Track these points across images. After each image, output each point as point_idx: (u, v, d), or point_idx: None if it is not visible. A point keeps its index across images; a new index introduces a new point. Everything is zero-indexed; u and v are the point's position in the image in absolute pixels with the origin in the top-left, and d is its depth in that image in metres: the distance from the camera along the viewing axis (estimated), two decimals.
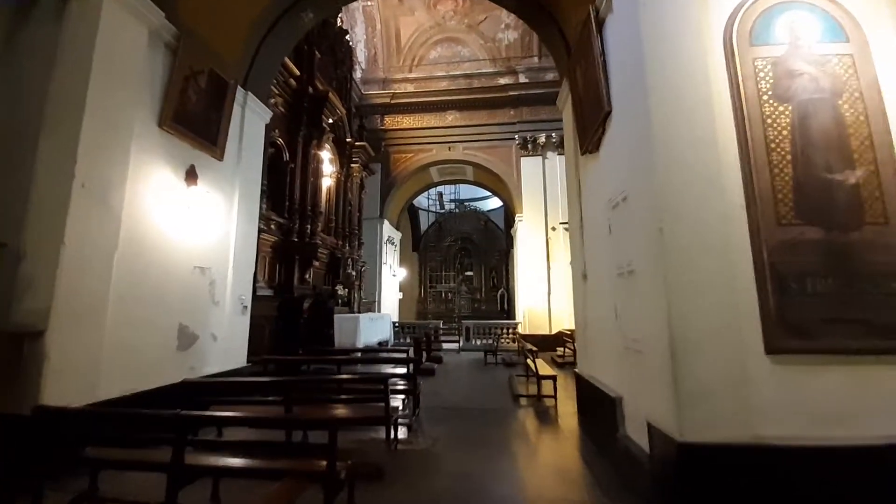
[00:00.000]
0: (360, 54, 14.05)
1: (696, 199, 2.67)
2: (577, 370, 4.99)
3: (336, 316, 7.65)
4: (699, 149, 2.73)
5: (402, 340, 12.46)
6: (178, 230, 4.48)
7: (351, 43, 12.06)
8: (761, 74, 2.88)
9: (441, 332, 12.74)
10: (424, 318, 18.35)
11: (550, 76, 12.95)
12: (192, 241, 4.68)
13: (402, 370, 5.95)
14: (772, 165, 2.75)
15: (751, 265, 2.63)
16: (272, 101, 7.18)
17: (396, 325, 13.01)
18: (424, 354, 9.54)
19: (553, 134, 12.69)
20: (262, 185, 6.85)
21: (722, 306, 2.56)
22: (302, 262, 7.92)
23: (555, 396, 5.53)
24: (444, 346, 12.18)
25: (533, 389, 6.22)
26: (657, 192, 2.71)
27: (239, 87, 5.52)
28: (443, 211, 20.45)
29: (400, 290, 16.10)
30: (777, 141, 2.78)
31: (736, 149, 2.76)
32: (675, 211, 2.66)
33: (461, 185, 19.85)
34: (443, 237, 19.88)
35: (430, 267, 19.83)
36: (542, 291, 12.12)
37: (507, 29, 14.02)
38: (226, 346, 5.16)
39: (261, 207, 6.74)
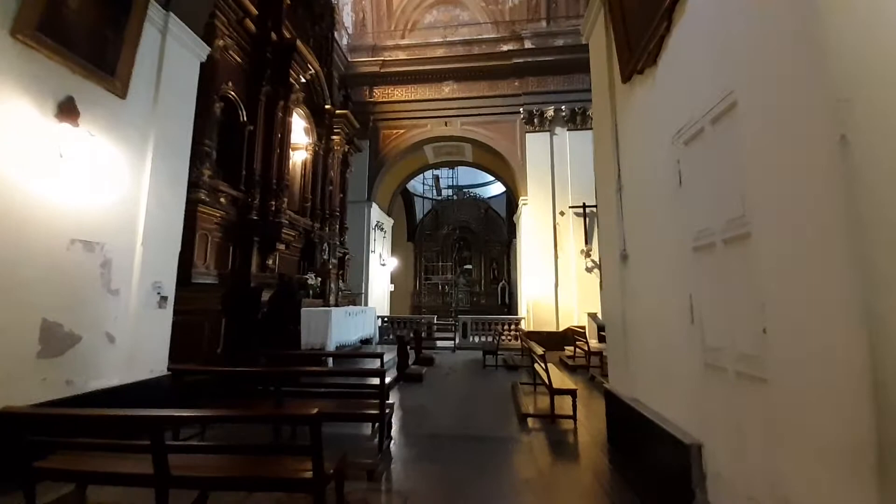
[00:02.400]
0: (347, 19, 12.57)
1: None
2: (608, 386, 3.63)
3: (303, 310, 6.31)
4: None
5: (390, 336, 11.13)
6: (43, 187, 3.11)
7: (334, 1, 10.56)
8: None
9: (435, 327, 11.42)
10: (419, 312, 17.02)
11: (560, 41, 11.53)
12: (68, 204, 3.30)
13: (375, 380, 4.60)
14: None
15: None
16: (220, 43, 5.76)
17: (386, 319, 11.68)
18: (413, 355, 8.22)
19: (563, 107, 11.27)
20: (205, 145, 5.47)
21: None
22: (263, 245, 6.55)
23: (574, 417, 4.19)
24: (439, 343, 10.88)
25: (543, 404, 4.89)
26: (834, 67, 1.33)
27: (155, 3, 4.11)
28: (440, 198, 19.03)
29: (392, 282, 14.76)
30: None
31: None
32: (877, 101, 1.27)
33: (460, 170, 18.45)
34: (440, 226, 18.49)
35: (425, 257, 18.46)
36: (549, 283, 10.76)
37: None
38: (131, 349, 3.81)
39: (201, 173, 5.36)
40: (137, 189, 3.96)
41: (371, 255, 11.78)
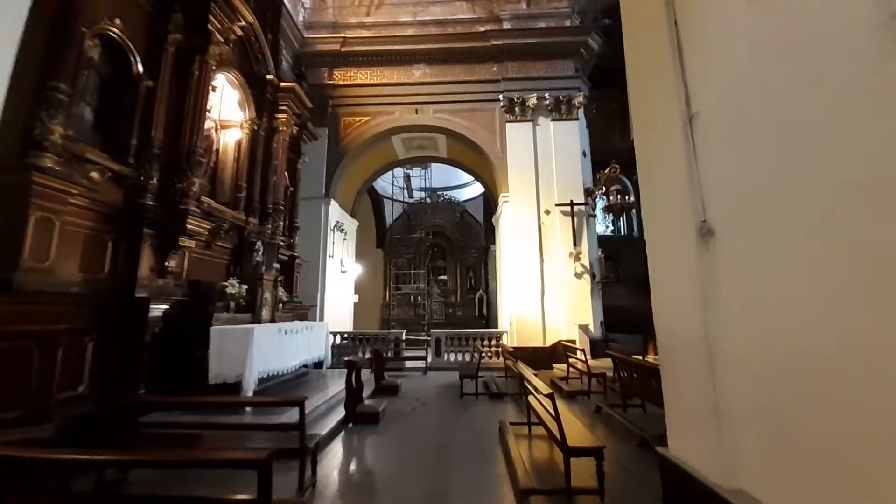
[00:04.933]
0: None
1: None
2: (672, 457, 2.18)
3: (213, 329, 4.61)
4: None
5: (350, 357, 9.40)
6: None
7: None
8: None
9: (403, 344, 9.78)
10: (388, 326, 15.32)
11: (542, 24, 10.45)
12: None
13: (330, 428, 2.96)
14: None
15: None
16: None
17: (346, 336, 9.96)
18: (373, 381, 6.59)
19: (546, 94, 10.12)
20: (58, 90, 3.77)
21: None
22: (161, 241, 4.82)
23: (600, 493, 2.72)
24: (409, 364, 9.24)
25: (543, 456, 3.47)
26: None
27: None
28: (411, 200, 17.55)
29: (357, 293, 13.03)
30: None
31: None
32: None
33: (433, 171, 17.11)
34: (412, 230, 16.96)
35: (395, 265, 16.82)
36: (535, 291, 9.41)
37: None
38: None
39: (48, 130, 3.65)
40: None
41: (329, 260, 10.08)
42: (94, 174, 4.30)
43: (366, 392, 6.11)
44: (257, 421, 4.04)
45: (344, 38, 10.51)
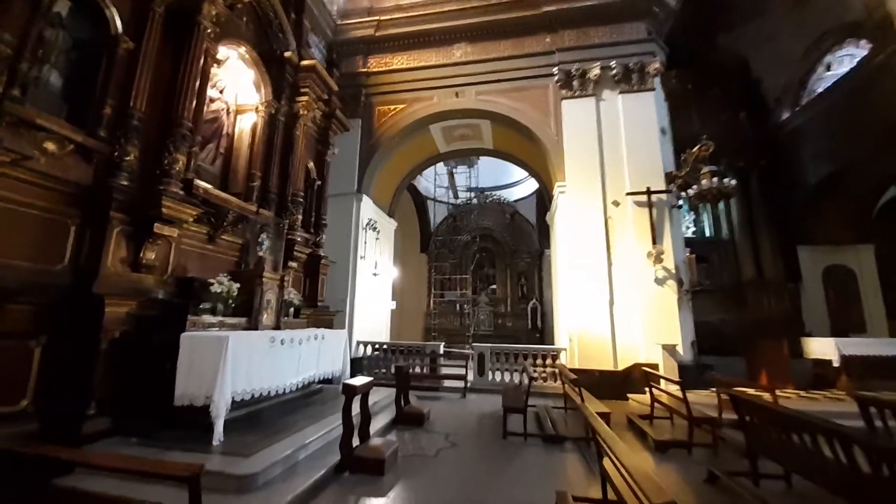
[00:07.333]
0: None
1: None
2: None
3: (184, 336, 3.66)
4: None
5: (381, 370, 8.28)
6: None
7: None
8: None
9: (441, 359, 8.45)
10: (431, 336, 14.11)
11: None
12: None
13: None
14: None
15: None
16: None
17: (378, 347, 8.87)
18: (394, 407, 5.33)
19: (612, 62, 8.39)
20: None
21: None
22: (137, 229, 4.01)
23: None
24: (447, 383, 7.90)
25: None
26: None
27: None
28: (457, 201, 16.34)
29: (396, 299, 12.00)
30: None
31: None
32: None
33: (481, 170, 15.82)
34: (457, 233, 15.70)
35: (438, 269, 15.60)
36: (601, 302, 7.61)
37: None
38: None
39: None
40: None
41: (360, 261, 9.11)
42: (50, 145, 3.58)
43: (383, 421, 4.88)
44: (222, 469, 2.94)
45: (378, 21, 9.67)
